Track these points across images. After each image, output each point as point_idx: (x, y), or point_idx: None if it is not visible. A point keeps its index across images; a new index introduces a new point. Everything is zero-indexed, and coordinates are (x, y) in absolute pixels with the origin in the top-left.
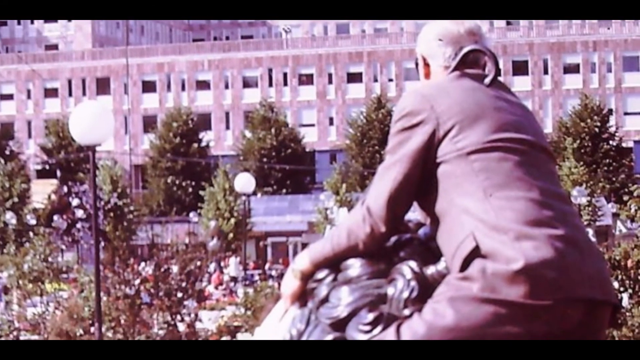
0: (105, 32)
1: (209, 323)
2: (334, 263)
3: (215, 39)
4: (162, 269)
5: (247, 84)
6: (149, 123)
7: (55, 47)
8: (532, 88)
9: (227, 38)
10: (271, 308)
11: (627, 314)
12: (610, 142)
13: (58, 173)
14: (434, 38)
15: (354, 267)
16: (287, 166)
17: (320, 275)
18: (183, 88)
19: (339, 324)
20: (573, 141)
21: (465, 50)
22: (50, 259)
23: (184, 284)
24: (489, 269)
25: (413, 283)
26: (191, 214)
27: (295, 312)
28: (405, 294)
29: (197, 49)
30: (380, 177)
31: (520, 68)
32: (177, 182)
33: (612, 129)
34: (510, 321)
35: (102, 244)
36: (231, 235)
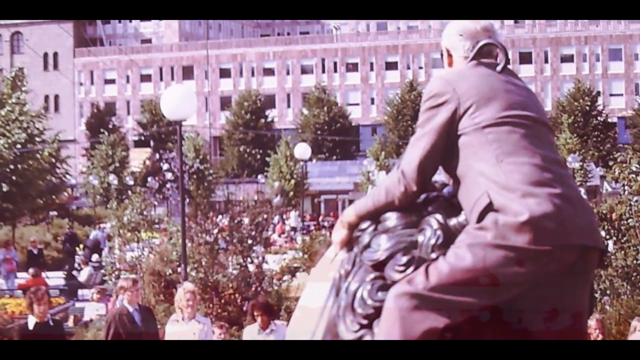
0: (190, 29)
1: (273, 264)
2: (374, 216)
3: (278, 34)
4: (236, 221)
5: (304, 71)
6: (225, 102)
7: (149, 41)
8: (535, 74)
9: (288, 34)
10: (324, 252)
11: (612, 257)
12: (599, 118)
13: (151, 143)
14: (456, 34)
15: (391, 219)
16: (336, 137)
17: (363, 225)
18: (252, 74)
19: (379, 265)
20: (568, 117)
21: (481, 43)
22: (145, 213)
23: (253, 233)
24: (500, 221)
25: (439, 232)
26: (259, 176)
27: (344, 255)
28: (433, 241)
29: (264, 42)
30: (412, 146)
31: (525, 58)
32: (247, 150)
33: (600, 108)
34: (517, 263)
35: (187, 200)
36: (291, 193)
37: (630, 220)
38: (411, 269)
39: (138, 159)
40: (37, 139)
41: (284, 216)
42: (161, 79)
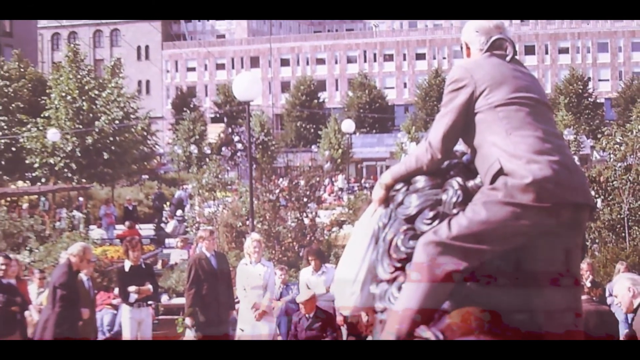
0: (256, 26)
1: (324, 218)
2: (407, 179)
3: (328, 31)
4: (294, 183)
5: (349, 60)
6: (285, 86)
7: (223, 36)
8: (537, 63)
9: (337, 30)
10: (366, 208)
11: (600, 212)
12: (589, 99)
13: (225, 119)
14: (473, 30)
15: (420, 181)
16: (375, 115)
17: (397, 186)
18: (307, 63)
19: (410, 219)
20: (564, 98)
21: (493, 38)
22: (219, 176)
23: (308, 193)
24: (509, 183)
25: (459, 192)
26: (313, 147)
27: (382, 211)
28: (454, 199)
29: (316, 37)
30: (437, 122)
31: (529, 50)
32: (303, 125)
33: (590, 91)
34: (523, 217)
35: (254, 166)
36: (339, 160)
37: (615, 182)
38: (437, 222)
39: (214, 132)
40: (132, 116)
41: (333, 179)
42: (233, 67)
